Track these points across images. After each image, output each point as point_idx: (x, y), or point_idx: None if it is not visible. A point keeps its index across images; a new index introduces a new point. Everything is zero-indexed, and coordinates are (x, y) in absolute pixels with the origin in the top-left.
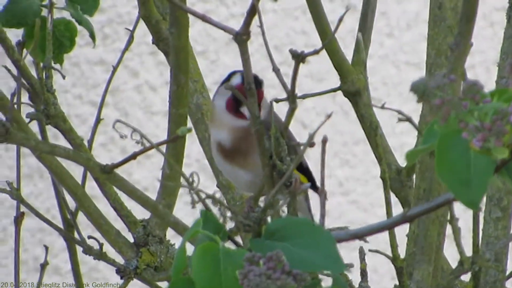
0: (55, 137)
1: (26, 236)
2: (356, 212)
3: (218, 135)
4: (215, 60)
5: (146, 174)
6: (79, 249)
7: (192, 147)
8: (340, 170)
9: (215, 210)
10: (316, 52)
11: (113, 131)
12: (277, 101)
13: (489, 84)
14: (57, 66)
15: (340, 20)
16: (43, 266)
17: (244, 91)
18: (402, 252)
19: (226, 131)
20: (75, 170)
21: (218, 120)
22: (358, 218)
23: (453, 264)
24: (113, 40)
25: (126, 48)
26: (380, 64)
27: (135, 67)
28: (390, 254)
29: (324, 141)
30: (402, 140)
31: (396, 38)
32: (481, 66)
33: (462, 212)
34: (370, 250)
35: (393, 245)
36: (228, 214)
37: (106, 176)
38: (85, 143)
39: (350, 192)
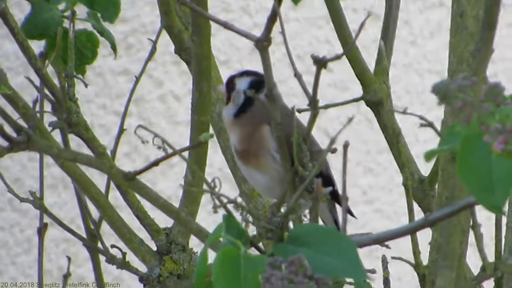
0: (79, 147)
1: (50, 246)
2: (380, 221)
3: (231, 138)
4: (238, 70)
5: (169, 184)
6: (102, 259)
7: (215, 156)
8: (364, 178)
9: (237, 215)
10: (338, 57)
11: (137, 140)
12: (300, 111)
13: None
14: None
15: (361, 26)
16: (66, 276)
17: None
18: (425, 261)
19: (234, 132)
20: (98, 179)
21: (225, 123)
22: (382, 227)
23: (476, 272)
24: (137, 49)
25: (149, 59)
26: (403, 73)
27: (159, 76)
28: (413, 261)
29: (346, 146)
30: (425, 148)
31: (420, 47)
32: (504, 74)
33: (485, 220)
34: (393, 258)
35: (416, 252)
36: (250, 219)
37: (129, 183)
38: (109, 152)
39: (374, 200)
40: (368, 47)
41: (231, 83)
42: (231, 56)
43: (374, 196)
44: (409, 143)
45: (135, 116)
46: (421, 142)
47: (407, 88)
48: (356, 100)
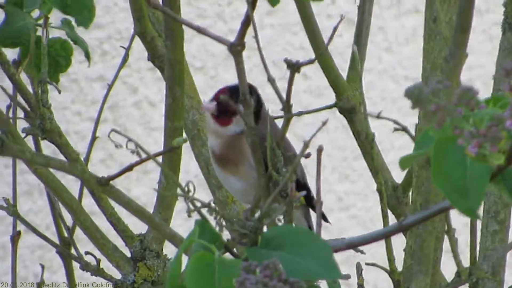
0: (53, 154)
1: (25, 253)
2: (356, 227)
3: (211, 142)
4: (214, 76)
5: (145, 190)
6: (76, 265)
7: (191, 163)
8: (340, 185)
9: (211, 219)
10: (311, 62)
11: (112, 147)
12: (274, 118)
13: None
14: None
15: (334, 31)
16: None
17: (227, 99)
18: (399, 267)
19: (216, 138)
20: (73, 187)
21: (208, 128)
22: (358, 233)
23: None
24: (112, 56)
25: (121, 66)
26: (378, 79)
27: (134, 83)
28: (388, 268)
29: (320, 150)
30: (401, 155)
31: (395, 53)
32: (480, 80)
33: (460, 226)
34: (367, 264)
35: (390, 258)
36: (224, 223)
37: (102, 188)
38: (84, 159)
39: (350, 207)
40: (343, 53)
41: (231, 107)
42: (206, 62)
43: (349, 203)
44: (384, 150)
45: (110, 123)
46: (396, 149)
47: (382, 94)
48: (329, 107)
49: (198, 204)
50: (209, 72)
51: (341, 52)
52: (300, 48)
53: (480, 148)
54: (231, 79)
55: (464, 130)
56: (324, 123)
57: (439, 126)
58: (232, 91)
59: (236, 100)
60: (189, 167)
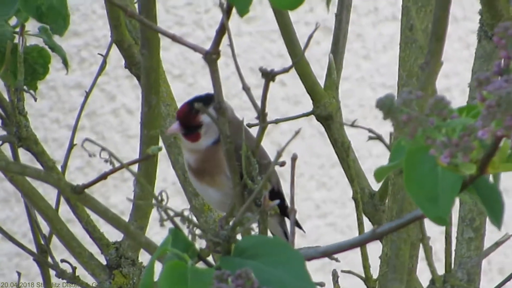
0: (31, 161)
1: (3, 261)
2: (334, 235)
3: (186, 155)
4: (192, 83)
5: (122, 198)
6: (53, 273)
7: (168, 170)
8: (317, 192)
9: (184, 228)
10: (285, 70)
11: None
12: (251, 126)
13: None
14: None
15: (309, 39)
16: None
17: (186, 114)
18: (375, 274)
19: (190, 153)
20: (50, 194)
21: (183, 144)
22: (335, 241)
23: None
24: (90, 63)
25: (99, 73)
26: (356, 87)
27: (111, 90)
28: (363, 275)
29: (294, 158)
30: (378, 163)
31: (373, 61)
32: (457, 88)
33: (437, 234)
34: (343, 271)
35: (366, 265)
36: (198, 232)
37: (77, 196)
38: (61, 166)
39: (327, 214)
40: (321, 60)
41: (193, 120)
42: (185, 69)
43: (327, 210)
44: (362, 158)
45: (88, 130)
46: (374, 157)
47: (360, 102)
48: (306, 114)
49: (172, 213)
50: (188, 79)
51: (318, 60)
52: (278, 56)
53: (452, 157)
54: (210, 86)
55: (436, 140)
56: (297, 132)
57: (411, 137)
58: (191, 106)
59: (196, 112)
60: (167, 175)
